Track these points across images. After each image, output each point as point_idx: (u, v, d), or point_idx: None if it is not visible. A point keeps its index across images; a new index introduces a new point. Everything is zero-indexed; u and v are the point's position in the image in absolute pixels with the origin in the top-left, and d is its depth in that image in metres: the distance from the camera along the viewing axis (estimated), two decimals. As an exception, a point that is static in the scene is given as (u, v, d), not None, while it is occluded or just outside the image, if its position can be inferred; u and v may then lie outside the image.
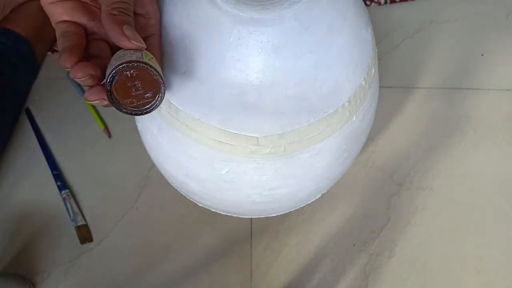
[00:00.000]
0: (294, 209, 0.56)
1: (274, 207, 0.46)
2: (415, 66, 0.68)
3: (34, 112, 0.65)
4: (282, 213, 0.52)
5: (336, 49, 0.33)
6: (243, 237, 0.57)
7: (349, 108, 0.37)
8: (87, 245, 0.57)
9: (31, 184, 0.60)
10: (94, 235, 0.58)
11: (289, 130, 0.35)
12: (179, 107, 0.36)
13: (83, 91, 0.66)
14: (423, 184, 0.60)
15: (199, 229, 0.58)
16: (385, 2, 0.73)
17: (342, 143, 0.39)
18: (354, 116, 0.38)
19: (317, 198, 0.52)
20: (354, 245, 0.57)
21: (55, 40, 0.69)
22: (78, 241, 0.57)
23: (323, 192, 0.51)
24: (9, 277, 0.54)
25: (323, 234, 0.58)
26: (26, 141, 0.63)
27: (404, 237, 0.58)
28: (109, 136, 0.63)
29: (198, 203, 0.49)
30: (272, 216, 0.57)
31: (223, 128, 0.35)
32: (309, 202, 0.53)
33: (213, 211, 0.58)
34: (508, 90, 0.66)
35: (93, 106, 0.65)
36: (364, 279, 0.55)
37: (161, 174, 0.61)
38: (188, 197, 0.49)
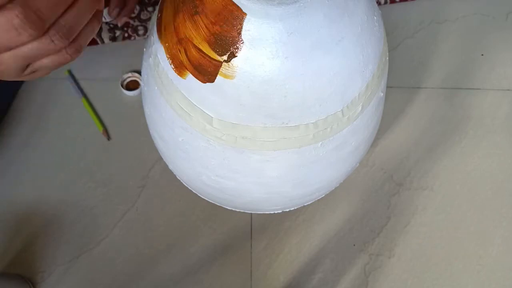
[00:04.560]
0: (255, 212, 0.56)
1: (225, 198, 0.47)
2: (415, 66, 0.68)
3: (33, 112, 0.65)
4: (242, 210, 0.53)
5: (318, 68, 0.33)
6: (243, 237, 0.57)
7: (314, 131, 0.36)
8: (87, 245, 0.57)
9: (31, 183, 0.60)
10: (94, 235, 0.58)
11: (244, 125, 0.35)
12: (160, 60, 0.36)
13: (82, 92, 0.66)
14: (423, 184, 0.60)
15: (199, 229, 0.58)
16: (385, 2, 0.73)
17: (299, 164, 0.39)
18: (320, 143, 0.37)
19: (317, 198, 0.52)
20: (354, 245, 0.57)
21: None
22: (78, 241, 0.57)
23: (278, 208, 0.51)
24: (9, 277, 0.54)
25: (323, 234, 0.58)
26: (26, 139, 0.63)
27: (404, 237, 0.58)
28: (108, 138, 0.63)
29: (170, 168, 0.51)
30: (272, 216, 0.57)
31: (186, 95, 0.36)
32: (305, 204, 0.53)
33: (213, 211, 0.58)
34: (508, 90, 0.66)
35: (92, 108, 0.65)
36: (364, 279, 0.55)
37: (161, 174, 0.61)
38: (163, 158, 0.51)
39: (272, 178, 0.41)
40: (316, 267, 0.56)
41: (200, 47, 0.33)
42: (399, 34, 0.71)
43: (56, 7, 0.27)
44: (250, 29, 0.31)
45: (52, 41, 0.28)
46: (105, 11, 0.57)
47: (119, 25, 0.64)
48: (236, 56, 0.32)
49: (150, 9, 0.72)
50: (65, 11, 0.28)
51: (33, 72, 0.30)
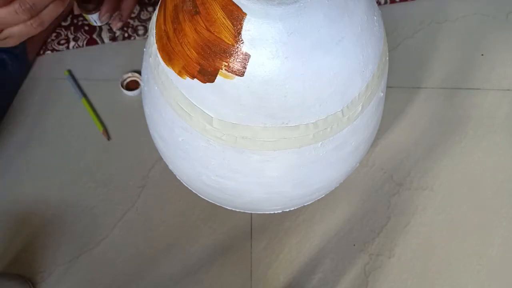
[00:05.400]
0: (255, 212, 0.56)
1: (225, 197, 0.47)
2: (415, 66, 0.68)
3: (33, 112, 0.65)
4: (242, 210, 0.53)
5: (318, 68, 0.33)
6: (243, 237, 0.57)
7: (314, 131, 0.36)
8: (87, 245, 0.57)
9: (31, 183, 0.60)
10: (94, 235, 0.58)
11: (244, 125, 0.35)
12: (160, 61, 0.36)
13: (82, 92, 0.66)
14: (423, 184, 0.60)
15: (199, 229, 0.58)
16: (385, 2, 0.73)
17: (299, 164, 0.39)
18: (320, 143, 0.37)
19: (317, 198, 0.52)
20: (354, 245, 0.57)
21: (47, 38, 0.69)
22: (78, 241, 0.57)
23: (278, 208, 0.51)
24: (9, 277, 0.54)
25: (323, 234, 0.58)
26: (26, 140, 0.63)
27: (404, 237, 0.58)
28: (108, 138, 0.63)
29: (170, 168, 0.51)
30: (272, 216, 0.57)
31: (186, 95, 0.36)
32: (305, 204, 0.53)
33: (213, 211, 0.58)
34: (508, 90, 0.66)
35: (92, 108, 0.65)
36: (364, 279, 0.55)
37: (161, 174, 0.61)
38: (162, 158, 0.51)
39: (272, 178, 0.40)
40: (316, 267, 0.56)
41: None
42: (399, 34, 0.71)
43: None
44: (250, 29, 0.31)
45: (16, 12, 0.37)
46: (96, 16, 0.57)
47: (114, 29, 0.65)
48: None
49: (150, 9, 0.72)
50: None
51: (6, 38, 0.40)
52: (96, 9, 0.56)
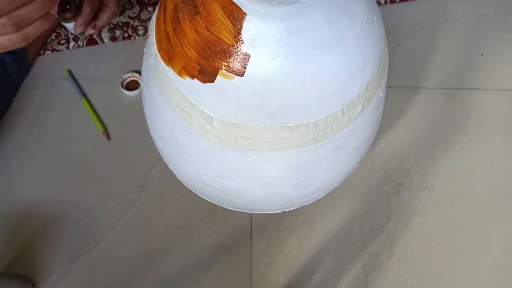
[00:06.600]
0: (255, 212, 0.56)
1: (225, 197, 0.47)
2: (415, 66, 0.68)
3: (33, 112, 0.65)
4: (242, 210, 0.53)
5: (318, 68, 0.33)
6: (243, 237, 0.57)
7: (314, 131, 0.36)
8: (87, 245, 0.57)
9: (31, 183, 0.60)
10: (94, 235, 0.58)
11: (244, 125, 0.35)
12: (160, 61, 0.36)
13: (82, 92, 0.66)
14: (423, 184, 0.60)
15: (199, 229, 0.58)
16: (385, 2, 0.73)
17: (299, 165, 0.39)
18: (320, 143, 0.37)
19: (317, 198, 0.52)
20: (354, 245, 0.57)
21: (47, 38, 0.69)
22: (78, 241, 0.57)
23: (278, 208, 0.51)
24: (9, 277, 0.54)
25: (323, 234, 0.58)
26: (26, 139, 0.63)
27: (404, 237, 0.58)
28: (108, 138, 0.63)
29: (170, 168, 0.51)
30: (272, 216, 0.57)
31: (186, 95, 0.36)
32: (305, 204, 0.53)
33: (213, 211, 0.58)
34: (508, 90, 0.66)
35: (92, 108, 0.65)
36: (364, 279, 0.55)
37: (161, 174, 0.61)
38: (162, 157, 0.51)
39: (272, 178, 0.40)
40: (316, 267, 0.56)
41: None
42: (399, 34, 0.71)
43: (11, 4, 0.39)
44: (250, 29, 0.31)
45: (3, 25, 0.39)
46: (72, 25, 0.58)
47: (85, 33, 0.68)
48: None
49: (150, 9, 0.72)
50: (20, 7, 0.39)
51: None
52: (74, 18, 0.57)
